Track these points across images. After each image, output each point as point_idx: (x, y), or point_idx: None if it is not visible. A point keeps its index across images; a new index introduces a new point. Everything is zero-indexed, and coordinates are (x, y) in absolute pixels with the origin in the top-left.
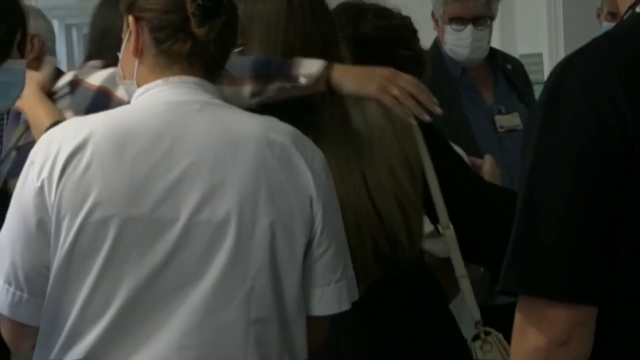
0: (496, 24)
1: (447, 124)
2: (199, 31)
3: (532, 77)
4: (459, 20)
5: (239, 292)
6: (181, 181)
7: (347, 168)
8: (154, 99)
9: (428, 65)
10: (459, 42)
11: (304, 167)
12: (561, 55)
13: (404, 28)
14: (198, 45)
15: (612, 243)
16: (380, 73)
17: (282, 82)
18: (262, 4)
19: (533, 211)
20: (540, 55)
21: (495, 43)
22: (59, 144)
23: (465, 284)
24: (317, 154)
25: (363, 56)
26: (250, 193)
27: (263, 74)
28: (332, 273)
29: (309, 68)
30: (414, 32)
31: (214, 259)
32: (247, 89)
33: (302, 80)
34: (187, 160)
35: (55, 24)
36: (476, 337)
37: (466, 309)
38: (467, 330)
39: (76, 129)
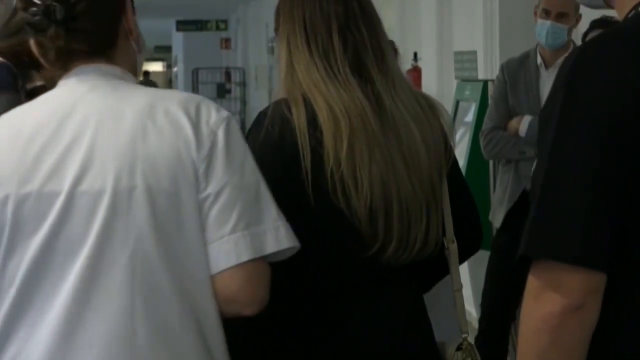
0: (434, 22)
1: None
2: (45, 40)
3: (467, 73)
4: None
5: (121, 256)
6: (65, 156)
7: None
8: (53, 92)
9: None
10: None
11: (187, 126)
12: (495, 53)
13: None
14: (69, 43)
15: (627, 215)
16: None
17: None
18: None
19: (555, 183)
20: (474, 52)
21: (432, 40)
22: None
23: (459, 298)
24: (215, 114)
25: None
26: (127, 162)
27: None
28: (222, 226)
29: None
30: None
31: (93, 227)
32: None
33: None
34: (71, 135)
35: None
36: (459, 348)
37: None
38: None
39: None
